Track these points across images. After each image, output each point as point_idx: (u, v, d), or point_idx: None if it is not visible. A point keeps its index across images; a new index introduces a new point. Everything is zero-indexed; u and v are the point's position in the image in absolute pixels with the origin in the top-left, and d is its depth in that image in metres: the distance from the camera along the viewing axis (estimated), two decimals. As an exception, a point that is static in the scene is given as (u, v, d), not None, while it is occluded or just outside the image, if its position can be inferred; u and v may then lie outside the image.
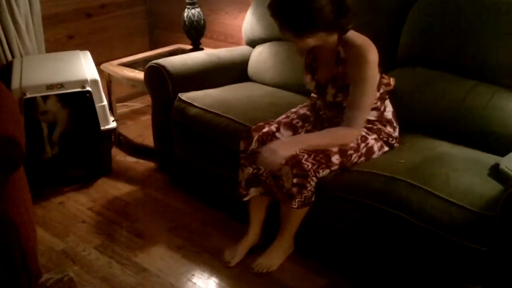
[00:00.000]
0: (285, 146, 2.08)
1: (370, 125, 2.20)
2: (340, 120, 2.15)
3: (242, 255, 2.31)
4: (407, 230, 1.91)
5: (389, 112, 2.24)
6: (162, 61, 2.81)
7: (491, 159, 2.08)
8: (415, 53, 2.48)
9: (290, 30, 2.00)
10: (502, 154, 2.08)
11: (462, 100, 2.27)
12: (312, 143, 2.11)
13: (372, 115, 2.20)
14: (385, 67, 2.27)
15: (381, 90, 2.19)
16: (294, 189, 2.07)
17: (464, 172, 1.97)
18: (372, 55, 2.04)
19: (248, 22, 3.13)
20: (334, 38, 2.08)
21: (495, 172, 1.97)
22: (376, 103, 2.18)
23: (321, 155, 2.07)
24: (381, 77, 2.19)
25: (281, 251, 2.29)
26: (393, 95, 2.30)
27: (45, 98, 2.86)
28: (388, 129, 2.22)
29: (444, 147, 2.20)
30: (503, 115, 2.18)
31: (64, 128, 3.03)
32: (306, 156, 2.05)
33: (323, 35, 2.04)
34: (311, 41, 2.04)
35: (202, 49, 3.48)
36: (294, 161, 2.05)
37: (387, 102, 2.24)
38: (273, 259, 2.27)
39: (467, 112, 2.25)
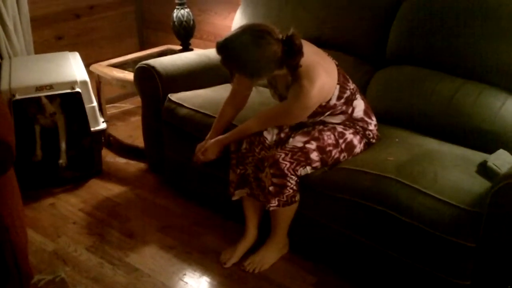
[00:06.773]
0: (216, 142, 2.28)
1: (343, 124, 2.22)
2: (301, 123, 2.23)
3: (239, 256, 2.31)
4: (396, 228, 1.93)
5: (359, 112, 2.23)
6: (152, 61, 2.80)
7: (478, 156, 2.11)
8: (404, 51, 2.50)
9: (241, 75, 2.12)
10: (490, 151, 2.10)
11: (450, 98, 2.29)
12: (248, 131, 2.22)
13: (339, 119, 2.21)
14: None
15: (347, 94, 2.17)
16: (272, 189, 2.09)
17: (452, 169, 1.99)
18: (308, 100, 2.05)
19: (238, 22, 3.13)
20: (284, 71, 2.08)
21: (483, 169, 1.99)
22: (342, 107, 2.18)
23: (299, 153, 2.09)
24: (346, 80, 2.18)
25: (274, 251, 2.30)
26: (383, 92, 2.28)
27: (51, 99, 2.84)
28: (361, 124, 2.23)
29: (433, 145, 2.22)
30: (490, 113, 2.21)
31: (66, 134, 3.00)
32: (283, 155, 2.07)
33: (274, 72, 2.07)
34: (263, 79, 2.15)
35: (191, 49, 3.49)
36: (271, 161, 2.07)
37: (356, 102, 2.22)
38: (266, 258, 2.28)
39: (455, 109, 2.28)
